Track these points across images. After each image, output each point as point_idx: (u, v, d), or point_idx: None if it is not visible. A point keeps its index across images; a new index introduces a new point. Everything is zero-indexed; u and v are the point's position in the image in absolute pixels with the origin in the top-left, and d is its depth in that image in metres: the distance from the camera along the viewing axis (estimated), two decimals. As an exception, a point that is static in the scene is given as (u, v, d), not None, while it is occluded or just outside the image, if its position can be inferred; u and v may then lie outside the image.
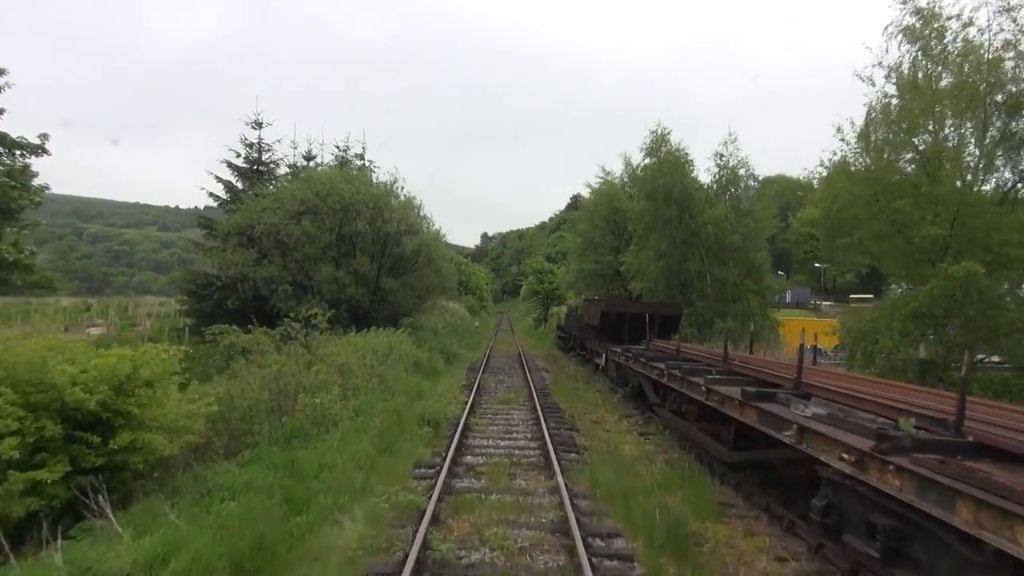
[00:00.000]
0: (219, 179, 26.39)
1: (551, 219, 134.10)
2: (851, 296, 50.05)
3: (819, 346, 13.14)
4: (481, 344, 30.70)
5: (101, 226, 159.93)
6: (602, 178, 31.36)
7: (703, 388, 8.16)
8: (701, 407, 8.46)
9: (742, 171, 24.37)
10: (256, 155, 27.29)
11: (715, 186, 24.44)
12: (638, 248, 25.85)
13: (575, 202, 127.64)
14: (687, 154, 24.26)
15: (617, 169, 35.16)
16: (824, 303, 61.09)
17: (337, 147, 31.20)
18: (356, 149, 32.15)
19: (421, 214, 26.05)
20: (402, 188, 24.94)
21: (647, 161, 25.38)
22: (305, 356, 12.57)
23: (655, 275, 23.76)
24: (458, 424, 10.89)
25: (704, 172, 25.23)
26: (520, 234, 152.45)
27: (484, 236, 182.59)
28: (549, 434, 10.16)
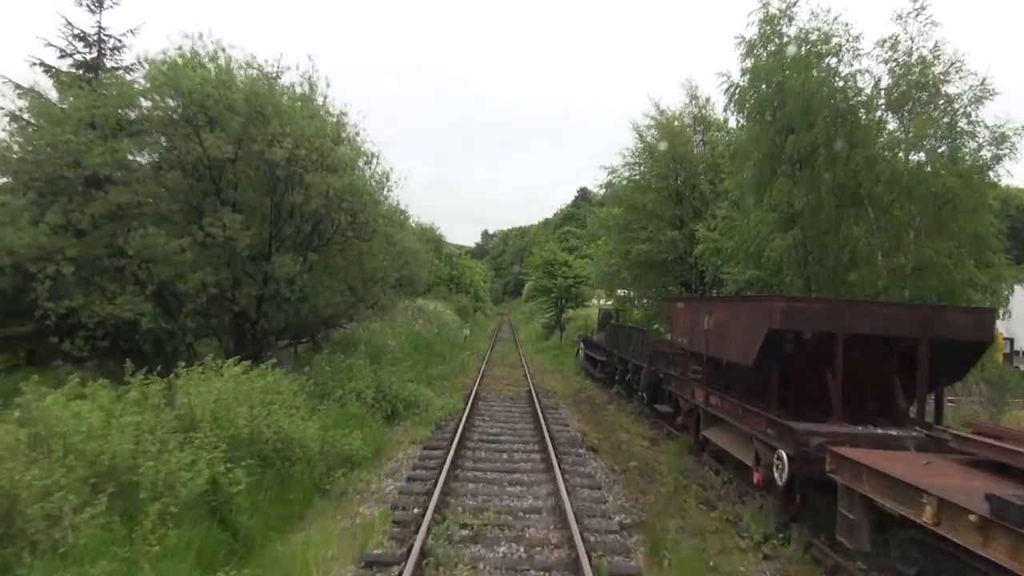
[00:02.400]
0: (20, 90, 15.26)
1: (556, 214, 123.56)
2: None
3: None
4: (466, 370, 19.64)
5: None
6: (655, 117, 20.28)
7: None
8: None
9: (938, 69, 13.22)
10: (94, 53, 16.20)
11: (892, 93, 13.32)
12: (740, 212, 14.94)
13: (583, 195, 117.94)
14: (834, 34, 13.19)
15: (673, 104, 23.70)
16: None
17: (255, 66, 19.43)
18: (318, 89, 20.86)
19: (360, 147, 14.91)
20: (326, 98, 13.77)
21: (747, 62, 14.29)
22: None
23: (777, 254, 12.90)
24: None
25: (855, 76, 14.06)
26: (522, 231, 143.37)
27: (484, 234, 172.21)
28: None
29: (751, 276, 14.01)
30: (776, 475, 6.16)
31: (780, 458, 6.10)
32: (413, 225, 32.45)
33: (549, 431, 10.74)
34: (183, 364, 7.80)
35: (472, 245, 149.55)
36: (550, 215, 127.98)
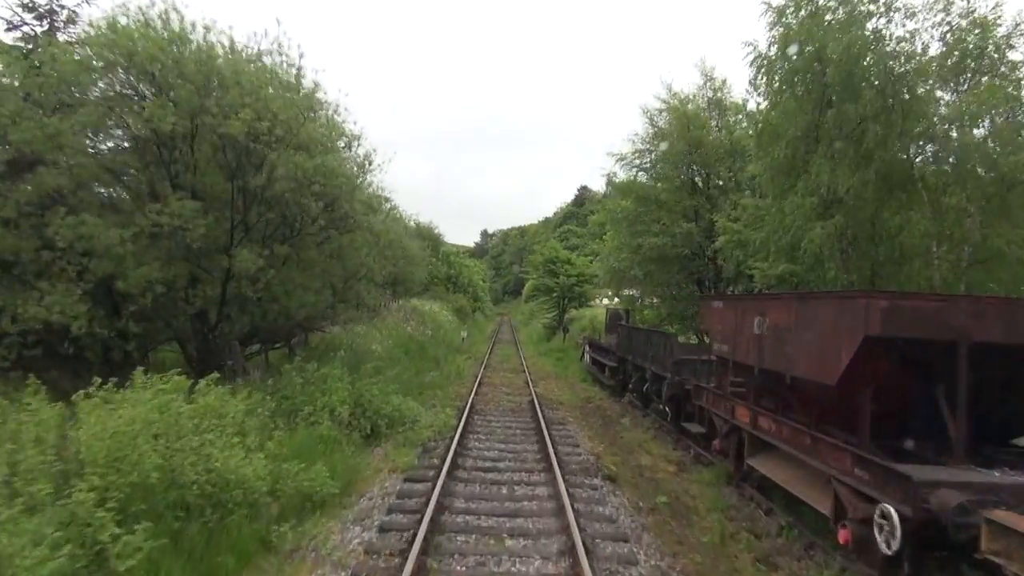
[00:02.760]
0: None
1: (556, 213, 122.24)
2: None
3: None
4: (462, 377, 17.89)
5: None
6: (667, 100, 18.56)
7: None
8: None
9: (1000, 32, 11.59)
10: (45, 26, 14.51)
11: (946, 60, 11.68)
12: (769, 200, 13.33)
13: (583, 194, 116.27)
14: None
15: (685, 88, 21.93)
16: None
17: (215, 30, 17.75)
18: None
19: (340, 124, 13.19)
20: (299, 70, 11.98)
21: (775, 31, 12.64)
22: None
23: (816, 244, 11.32)
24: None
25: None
26: (522, 231, 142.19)
27: (484, 233, 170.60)
28: None
29: (784, 271, 12.32)
30: (880, 540, 4.44)
31: (887, 516, 4.37)
32: (404, 218, 30.61)
33: (557, 455, 9.02)
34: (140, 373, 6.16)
35: (471, 245, 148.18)
36: (550, 214, 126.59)
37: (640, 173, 19.33)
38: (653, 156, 18.73)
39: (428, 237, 51.52)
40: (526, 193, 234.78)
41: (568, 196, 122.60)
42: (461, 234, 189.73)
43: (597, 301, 34.72)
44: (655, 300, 19.18)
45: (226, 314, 11.19)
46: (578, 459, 9.27)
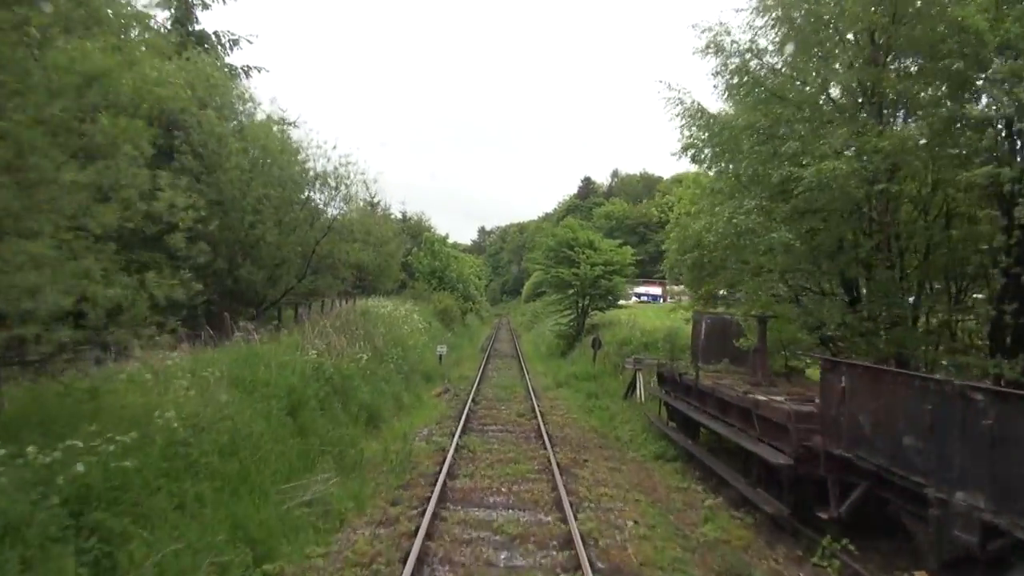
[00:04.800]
0: None
1: (557, 208, 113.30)
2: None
3: None
4: (411, 463, 8.48)
5: None
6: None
7: None
8: None
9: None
10: None
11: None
12: None
13: (587, 186, 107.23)
14: None
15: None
16: None
17: None
18: None
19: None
20: None
21: None
22: None
23: None
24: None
25: None
26: (521, 227, 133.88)
27: (481, 231, 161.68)
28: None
29: None
30: None
31: None
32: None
33: None
34: None
35: (468, 243, 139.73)
36: (550, 209, 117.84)
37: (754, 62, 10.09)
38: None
39: (413, 230, 42.12)
40: (525, 190, 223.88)
41: (570, 190, 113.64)
42: (459, 232, 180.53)
43: (632, 300, 25.58)
44: (804, 297, 9.85)
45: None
46: None
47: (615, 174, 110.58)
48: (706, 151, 11.18)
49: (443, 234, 41.86)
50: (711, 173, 11.51)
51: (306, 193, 13.56)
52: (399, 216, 43.61)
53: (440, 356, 18.37)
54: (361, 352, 11.28)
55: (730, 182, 10.90)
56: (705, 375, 9.09)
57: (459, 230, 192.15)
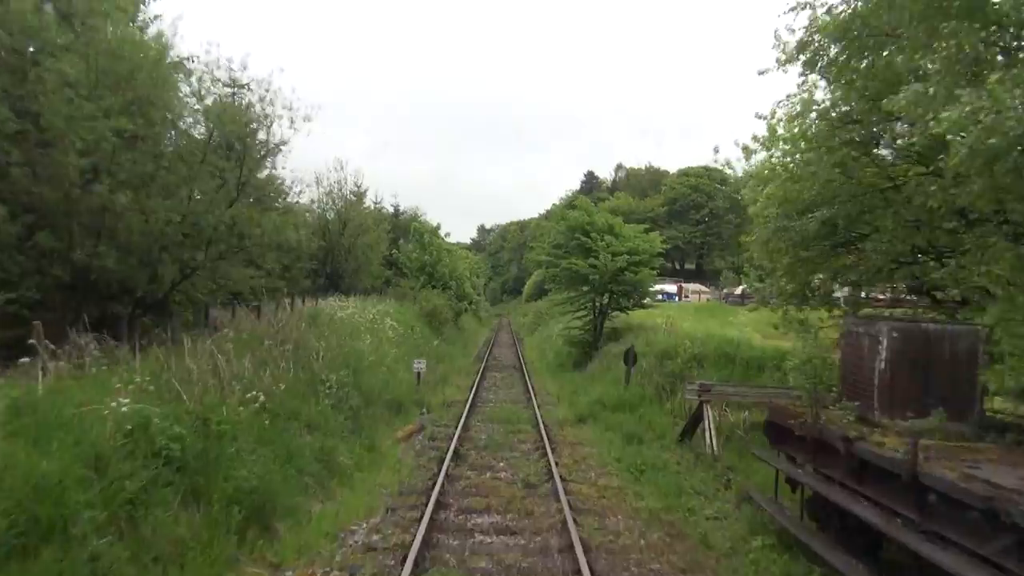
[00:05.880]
0: None
1: (558, 204, 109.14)
2: None
3: None
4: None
5: None
6: None
7: None
8: None
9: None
10: None
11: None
12: None
13: (590, 181, 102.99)
14: None
15: None
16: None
17: None
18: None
19: None
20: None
21: None
22: None
23: None
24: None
25: None
26: (522, 225, 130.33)
27: (481, 229, 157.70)
28: None
29: None
30: None
31: None
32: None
33: None
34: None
35: (468, 241, 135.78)
36: (551, 207, 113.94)
37: None
38: None
39: (404, 225, 37.31)
40: (525, 189, 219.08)
41: (572, 186, 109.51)
42: (458, 231, 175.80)
43: (659, 298, 21.02)
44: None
45: None
46: None
47: (619, 168, 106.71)
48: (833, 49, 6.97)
49: (434, 223, 37.08)
50: (825, 96, 7.27)
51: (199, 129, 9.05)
52: (390, 210, 38.97)
53: (418, 374, 13.84)
54: (260, 391, 6.73)
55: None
56: (933, 453, 4.48)
57: (458, 228, 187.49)
